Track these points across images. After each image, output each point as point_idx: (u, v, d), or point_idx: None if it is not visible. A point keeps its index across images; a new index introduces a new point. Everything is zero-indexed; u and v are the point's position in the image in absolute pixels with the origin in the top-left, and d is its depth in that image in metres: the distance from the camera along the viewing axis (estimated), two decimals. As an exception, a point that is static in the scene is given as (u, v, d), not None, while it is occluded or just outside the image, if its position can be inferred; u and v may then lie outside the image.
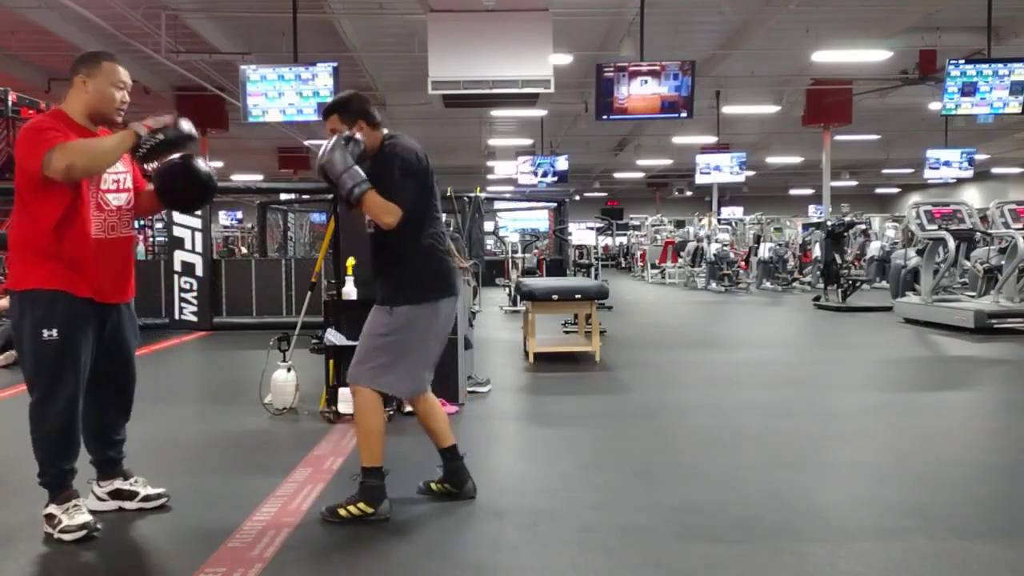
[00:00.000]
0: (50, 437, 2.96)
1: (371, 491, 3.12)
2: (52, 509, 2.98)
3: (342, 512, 3.11)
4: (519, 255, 14.66)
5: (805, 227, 19.01)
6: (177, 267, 9.45)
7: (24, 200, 2.94)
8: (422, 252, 3.21)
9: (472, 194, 11.15)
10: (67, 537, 2.90)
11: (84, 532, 2.91)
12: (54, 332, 2.89)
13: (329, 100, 3.38)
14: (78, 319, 2.95)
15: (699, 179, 19.91)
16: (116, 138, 2.94)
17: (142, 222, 15.91)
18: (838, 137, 19.45)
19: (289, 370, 5.02)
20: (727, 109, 16.74)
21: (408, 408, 4.90)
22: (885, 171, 29.77)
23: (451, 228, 10.07)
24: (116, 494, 3.25)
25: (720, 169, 19.29)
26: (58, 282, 2.91)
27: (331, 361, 4.92)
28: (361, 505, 3.11)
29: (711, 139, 18.82)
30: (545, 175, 19.23)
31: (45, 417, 2.94)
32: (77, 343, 2.95)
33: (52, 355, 2.91)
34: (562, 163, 19.43)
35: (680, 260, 18.68)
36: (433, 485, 3.38)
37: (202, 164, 3.23)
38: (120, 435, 3.30)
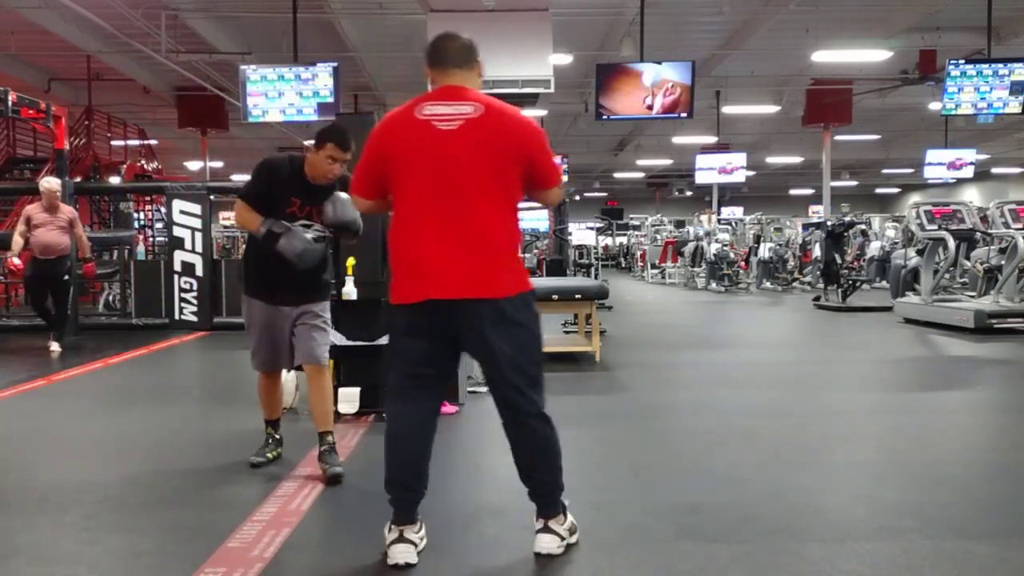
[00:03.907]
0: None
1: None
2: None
3: None
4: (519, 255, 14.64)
5: (805, 227, 19.00)
6: (177, 267, 9.43)
7: (507, 198, 2.79)
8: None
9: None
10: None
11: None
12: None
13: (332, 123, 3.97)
14: None
15: (699, 178, 19.93)
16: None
17: (143, 222, 15.91)
18: (838, 137, 19.46)
19: (289, 370, 5.01)
20: (727, 109, 16.75)
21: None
22: (885, 171, 29.80)
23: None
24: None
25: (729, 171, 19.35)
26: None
27: (331, 361, 4.90)
28: None
29: (711, 139, 18.83)
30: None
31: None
32: None
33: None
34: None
35: (680, 260, 18.68)
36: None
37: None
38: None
